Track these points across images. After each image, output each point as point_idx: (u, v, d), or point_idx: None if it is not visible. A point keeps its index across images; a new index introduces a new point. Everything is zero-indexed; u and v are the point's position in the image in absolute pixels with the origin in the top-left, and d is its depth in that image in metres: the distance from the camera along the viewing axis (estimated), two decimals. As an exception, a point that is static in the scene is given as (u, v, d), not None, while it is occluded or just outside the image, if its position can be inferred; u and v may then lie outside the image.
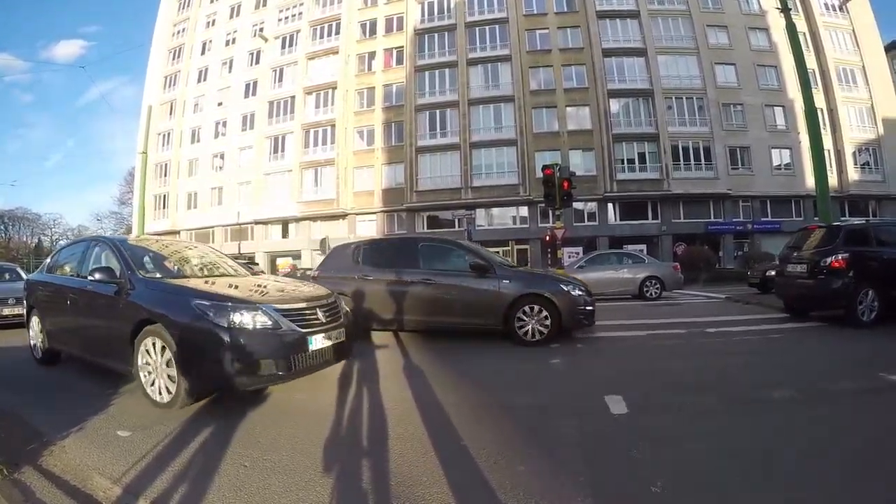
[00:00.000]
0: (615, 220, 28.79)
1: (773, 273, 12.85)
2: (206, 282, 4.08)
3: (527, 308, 5.78)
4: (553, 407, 3.39)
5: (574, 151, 28.80)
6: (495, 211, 29.62)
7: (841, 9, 31.74)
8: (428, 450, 2.67)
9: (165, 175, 34.64)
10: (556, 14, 31.35)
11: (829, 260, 6.86)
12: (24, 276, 10.23)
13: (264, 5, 33.98)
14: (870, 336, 6.02)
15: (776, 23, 27.76)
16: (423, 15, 32.09)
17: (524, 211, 29.09)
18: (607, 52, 30.18)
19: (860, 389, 3.62)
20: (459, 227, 26.72)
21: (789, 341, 5.96)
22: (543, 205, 25.88)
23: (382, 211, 30.12)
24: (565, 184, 11.71)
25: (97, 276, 3.89)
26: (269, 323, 3.41)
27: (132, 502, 2.22)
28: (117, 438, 2.97)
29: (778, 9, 13.41)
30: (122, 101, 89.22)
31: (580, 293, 5.99)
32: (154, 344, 3.48)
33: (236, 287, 3.89)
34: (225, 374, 3.26)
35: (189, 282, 3.97)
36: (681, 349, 5.56)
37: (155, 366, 3.48)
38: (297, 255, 30.98)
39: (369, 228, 30.16)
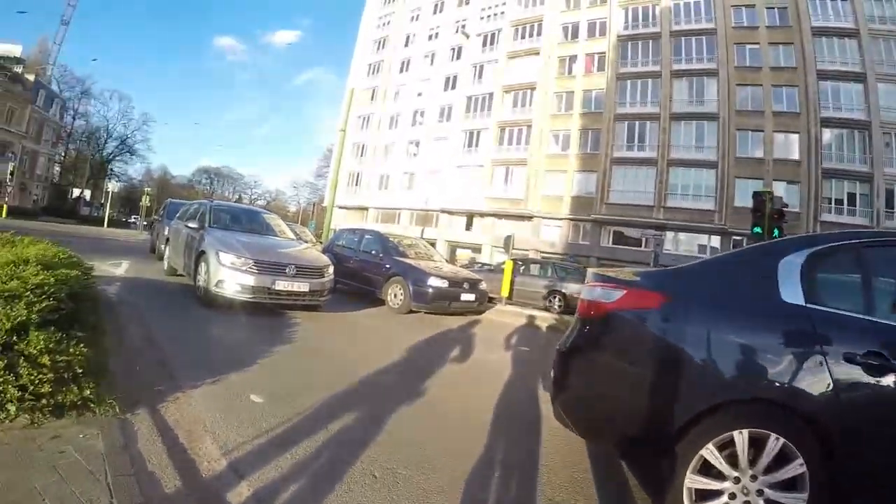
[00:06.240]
0: (817, 264, 27.73)
1: None
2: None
3: None
4: None
5: (778, 183, 27.27)
6: (682, 236, 29.01)
7: None
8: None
9: (362, 155, 37.72)
10: (767, 28, 30.11)
11: None
12: (286, 229, 8.27)
13: (467, 3, 35.35)
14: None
15: None
16: (626, 21, 31.98)
17: (716, 241, 27.90)
18: (822, 75, 28.78)
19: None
20: (646, 247, 27.03)
21: None
22: (739, 237, 26.13)
23: (569, 219, 30.85)
24: (776, 216, 10.48)
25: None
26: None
27: (233, 484, 2.03)
28: (248, 403, 2.85)
29: None
30: (328, 87, 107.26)
31: None
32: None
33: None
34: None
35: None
36: None
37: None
38: (477, 249, 32.34)
39: (553, 234, 31.13)
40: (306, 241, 10.85)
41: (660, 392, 2.11)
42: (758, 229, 10.45)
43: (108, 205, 42.00)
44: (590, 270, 2.68)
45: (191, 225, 7.40)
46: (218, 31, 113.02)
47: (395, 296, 8.40)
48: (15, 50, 43.63)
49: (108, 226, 34.18)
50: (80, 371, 2.33)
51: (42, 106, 45.89)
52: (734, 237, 26.65)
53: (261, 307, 6.19)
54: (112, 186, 43.98)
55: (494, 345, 6.73)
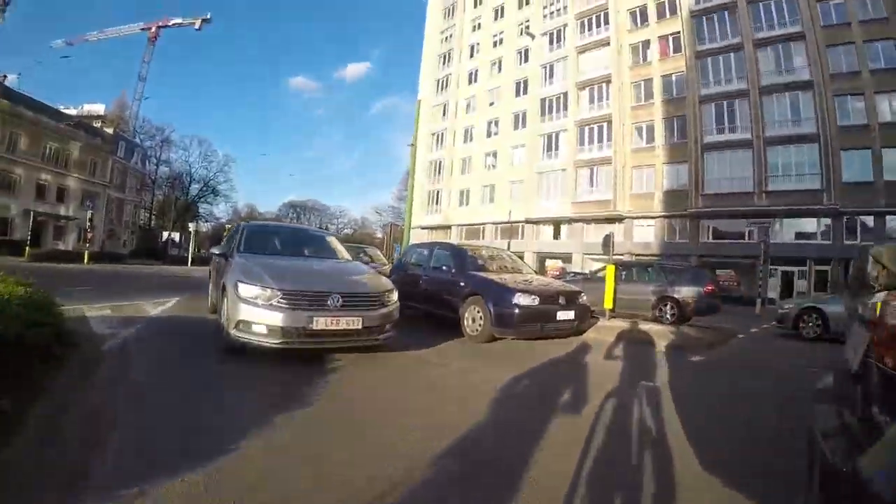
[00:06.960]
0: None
1: None
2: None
3: None
4: None
5: (890, 150, 25.41)
6: (785, 222, 27.33)
7: None
8: None
9: (439, 173, 38.47)
10: (851, -23, 28.19)
11: None
12: (340, 249, 6.70)
13: (528, 3, 34.88)
14: None
15: None
16: (697, -5, 30.65)
17: (825, 223, 26.05)
18: (922, 22, 26.82)
19: None
20: (750, 239, 26.37)
21: None
22: (849, 216, 24.68)
23: (663, 216, 29.89)
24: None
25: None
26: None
27: None
28: None
29: None
30: (403, 112, 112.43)
31: None
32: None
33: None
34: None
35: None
36: None
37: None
38: (567, 259, 31.87)
39: (647, 234, 30.25)
40: (374, 264, 9.40)
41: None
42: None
43: (192, 244, 44.43)
44: None
45: (217, 252, 6.25)
46: (290, 73, 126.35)
47: (474, 320, 6.73)
48: (98, 109, 46.68)
49: (192, 264, 34.27)
50: None
51: (123, 156, 49.18)
52: (845, 217, 25.33)
53: (296, 350, 4.53)
54: (194, 227, 46.69)
55: (608, 381, 4.82)
